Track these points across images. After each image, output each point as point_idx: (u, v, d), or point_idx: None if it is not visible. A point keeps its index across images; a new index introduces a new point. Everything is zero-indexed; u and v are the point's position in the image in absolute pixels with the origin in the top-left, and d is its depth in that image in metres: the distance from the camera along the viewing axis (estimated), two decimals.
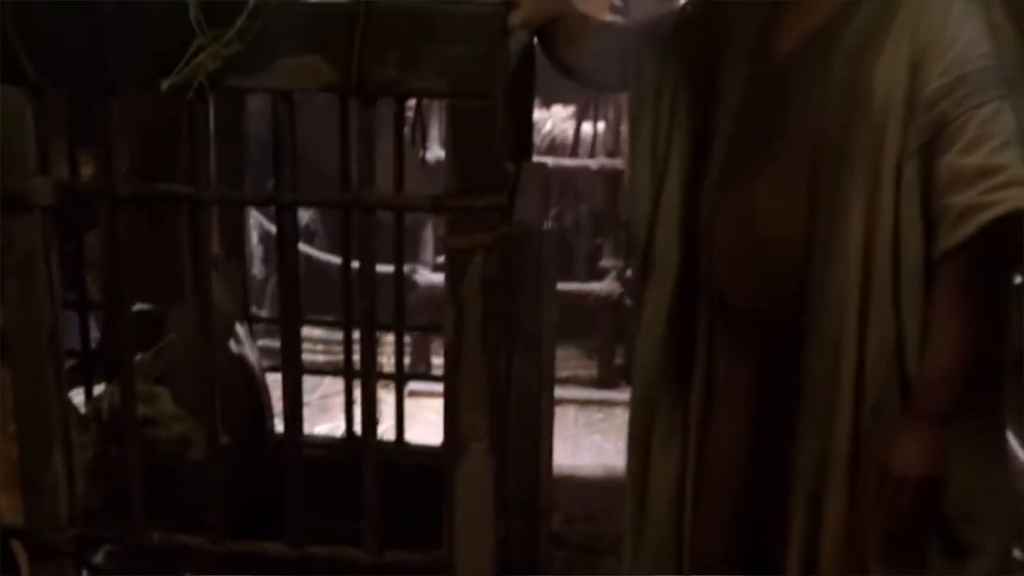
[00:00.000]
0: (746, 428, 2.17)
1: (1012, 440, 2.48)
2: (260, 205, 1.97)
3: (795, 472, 2.08)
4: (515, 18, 1.92)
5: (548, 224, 2.63)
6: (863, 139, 1.95)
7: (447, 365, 1.76)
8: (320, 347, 4.95)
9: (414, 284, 4.75)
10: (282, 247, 1.77)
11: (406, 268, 2.77)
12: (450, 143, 1.69)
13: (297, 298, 1.79)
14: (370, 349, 1.80)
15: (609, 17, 3.99)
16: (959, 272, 1.90)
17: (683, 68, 2.20)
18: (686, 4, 2.28)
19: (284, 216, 1.74)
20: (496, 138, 1.68)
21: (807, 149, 2.01)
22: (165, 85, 1.62)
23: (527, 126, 2.50)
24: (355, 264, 2.21)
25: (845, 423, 2.01)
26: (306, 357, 4.78)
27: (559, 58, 2.26)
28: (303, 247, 4.92)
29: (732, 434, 2.19)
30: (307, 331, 4.02)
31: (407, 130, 2.56)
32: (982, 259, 1.89)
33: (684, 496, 2.26)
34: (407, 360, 3.40)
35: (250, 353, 2.59)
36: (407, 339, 3.32)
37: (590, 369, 5.00)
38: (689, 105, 2.19)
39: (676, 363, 2.24)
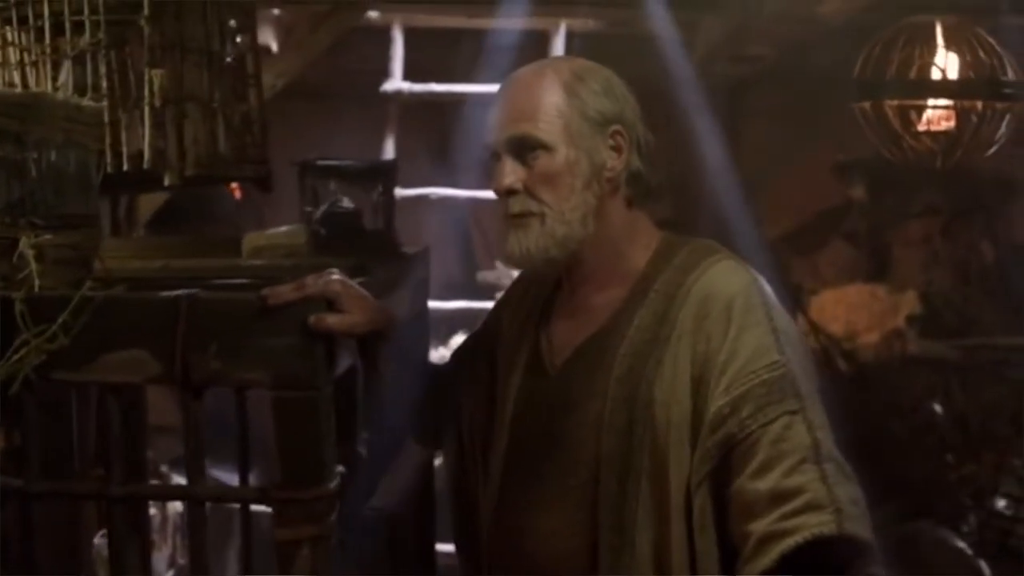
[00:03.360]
0: None
1: None
2: (89, 499, 1.93)
3: None
4: (330, 320, 1.68)
5: None
6: (647, 461, 1.78)
7: None
8: None
9: None
10: (118, 542, 1.73)
11: None
12: (275, 434, 1.67)
13: None
14: None
15: None
16: None
17: (470, 391, 2.06)
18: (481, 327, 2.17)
19: (116, 509, 1.72)
20: (321, 429, 1.66)
21: (587, 468, 1.83)
22: None
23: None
24: None
25: None
26: None
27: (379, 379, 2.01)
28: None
29: None
30: None
31: None
32: None
33: None
34: None
35: None
36: None
37: None
38: (477, 427, 2.03)
39: None
